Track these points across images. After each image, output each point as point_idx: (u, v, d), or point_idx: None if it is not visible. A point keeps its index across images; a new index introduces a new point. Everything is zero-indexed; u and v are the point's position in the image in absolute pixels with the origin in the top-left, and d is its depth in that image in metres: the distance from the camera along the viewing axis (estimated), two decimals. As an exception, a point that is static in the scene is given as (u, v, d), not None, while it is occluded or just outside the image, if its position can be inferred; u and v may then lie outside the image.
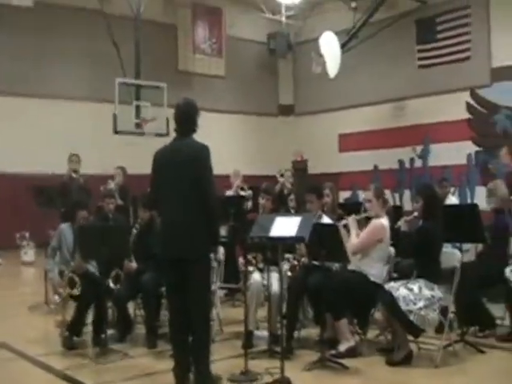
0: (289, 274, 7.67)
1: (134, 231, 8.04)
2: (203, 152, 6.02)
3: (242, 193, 11.91)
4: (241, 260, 7.90)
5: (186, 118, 6.16)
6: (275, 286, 7.10)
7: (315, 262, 7.56)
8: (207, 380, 6.02)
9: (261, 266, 7.86)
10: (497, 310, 8.09)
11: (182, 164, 5.98)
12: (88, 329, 7.86)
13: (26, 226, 16.14)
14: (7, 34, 18.20)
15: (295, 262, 7.79)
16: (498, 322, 7.91)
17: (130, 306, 8.27)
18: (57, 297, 7.78)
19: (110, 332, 7.69)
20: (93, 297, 7.62)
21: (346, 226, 7.40)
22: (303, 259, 7.76)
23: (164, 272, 6.38)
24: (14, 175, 17.95)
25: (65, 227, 8.33)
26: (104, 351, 7.23)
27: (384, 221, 7.34)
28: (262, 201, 8.16)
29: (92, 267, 8.10)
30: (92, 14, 18.77)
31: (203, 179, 5.97)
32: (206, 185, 5.98)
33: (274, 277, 6.95)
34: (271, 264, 7.07)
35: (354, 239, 7.29)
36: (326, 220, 7.74)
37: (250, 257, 7.74)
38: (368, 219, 7.52)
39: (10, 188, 17.94)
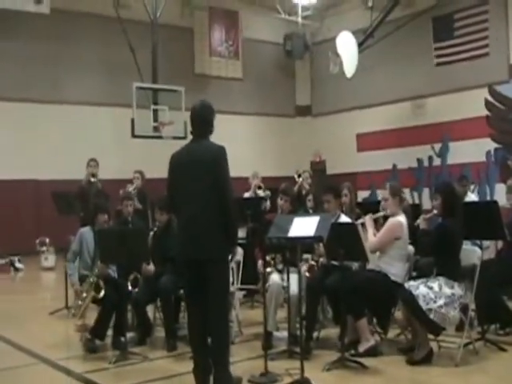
0: (307, 274, 7.65)
1: (151, 234, 8.04)
2: (220, 153, 6.02)
3: (260, 192, 11.90)
4: (260, 261, 7.88)
5: (202, 120, 6.17)
6: (294, 287, 7.07)
7: (334, 262, 7.54)
8: (227, 381, 6.02)
9: (280, 267, 7.84)
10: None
11: (199, 166, 5.98)
12: (108, 332, 7.88)
13: (46, 232, 16.24)
14: (24, 41, 18.36)
15: (313, 263, 7.77)
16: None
17: (149, 309, 8.28)
18: (79, 301, 7.80)
19: (129, 335, 7.71)
20: (116, 301, 7.64)
21: (363, 225, 7.37)
22: (322, 259, 7.74)
23: (182, 274, 6.38)
24: (35, 181, 18.10)
25: (85, 231, 8.37)
26: (124, 354, 7.23)
27: (401, 218, 7.30)
28: (280, 202, 8.13)
29: (112, 271, 8.13)
30: (108, 20, 18.92)
31: (220, 180, 5.97)
32: (223, 186, 5.98)
33: (293, 278, 6.91)
34: (290, 265, 7.03)
35: (371, 238, 7.27)
36: (344, 219, 7.72)
37: (268, 258, 7.73)
38: (386, 218, 7.49)
39: (29, 194, 18.09)
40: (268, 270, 7.67)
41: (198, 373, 6.05)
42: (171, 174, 6.26)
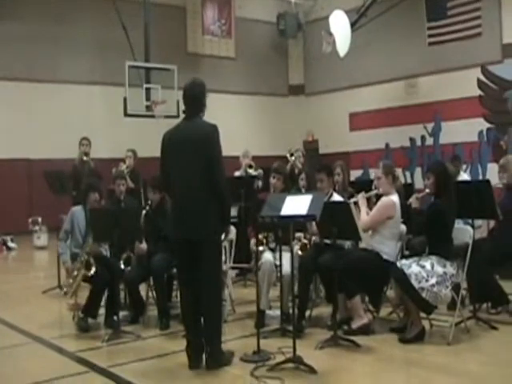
0: (299, 253, 7.66)
1: (144, 213, 8.03)
2: (212, 132, 6.05)
3: (252, 171, 11.88)
4: (252, 240, 7.89)
5: (193, 99, 6.19)
6: (286, 266, 7.08)
7: (326, 241, 7.56)
8: (220, 359, 6.06)
9: (272, 245, 7.86)
10: (509, 286, 8.05)
11: (192, 144, 6.00)
12: (101, 311, 7.89)
13: (38, 211, 16.23)
14: (17, 21, 18.30)
15: (305, 241, 7.78)
16: (511, 298, 7.87)
17: (142, 288, 8.28)
18: (70, 280, 7.81)
19: (122, 314, 7.73)
20: (107, 279, 7.64)
21: (356, 204, 7.37)
22: (314, 238, 7.76)
23: (175, 253, 6.44)
24: (27, 160, 18.06)
25: (77, 210, 8.35)
26: (117, 333, 7.25)
27: (394, 197, 7.31)
28: (272, 180, 8.12)
29: (104, 250, 8.12)
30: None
31: (212, 159, 6.00)
32: (216, 165, 6.00)
33: (286, 256, 6.92)
34: (283, 243, 7.04)
35: (364, 216, 7.28)
36: (336, 198, 7.73)
37: (261, 236, 7.73)
38: (378, 197, 7.50)
39: (22, 173, 18.06)
40: (260, 248, 7.69)
41: (190, 351, 6.09)
42: (163, 152, 6.27)
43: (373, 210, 7.37)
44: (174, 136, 6.20)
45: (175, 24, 21.14)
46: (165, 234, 7.47)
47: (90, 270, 7.52)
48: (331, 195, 7.78)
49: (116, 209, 8.62)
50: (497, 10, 18.07)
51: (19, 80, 18.29)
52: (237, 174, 12.13)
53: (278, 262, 7.28)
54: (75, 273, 7.73)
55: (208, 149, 5.99)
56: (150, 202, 8.15)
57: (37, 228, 16.24)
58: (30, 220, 16.37)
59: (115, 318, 7.42)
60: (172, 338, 7.20)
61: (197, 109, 6.19)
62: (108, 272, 7.62)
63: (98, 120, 18.41)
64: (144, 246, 7.92)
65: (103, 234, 7.58)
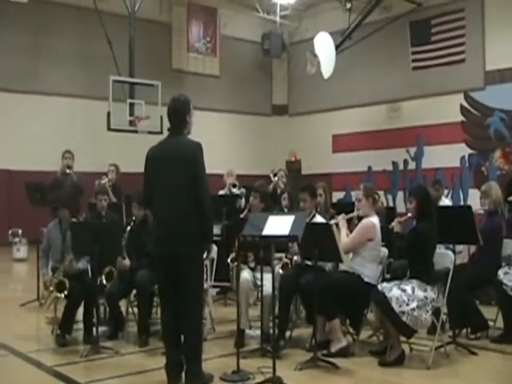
0: (280, 271, 7.67)
1: (128, 229, 8.01)
2: (196, 149, 6.05)
3: (235, 190, 11.89)
4: (231, 255, 7.90)
5: (178, 115, 6.18)
6: (268, 286, 7.07)
7: (308, 262, 7.56)
8: (199, 378, 6.02)
9: (252, 265, 7.86)
10: (489, 312, 8.10)
11: (175, 161, 6.00)
12: (80, 326, 7.84)
13: (18, 223, 16.11)
14: (1, 30, 18.17)
15: (287, 261, 7.80)
16: (491, 323, 7.91)
17: (122, 304, 8.24)
18: (47, 293, 7.76)
19: (101, 329, 7.68)
20: (81, 296, 7.60)
21: (337, 226, 7.38)
22: (296, 258, 7.76)
23: (156, 269, 6.41)
24: (7, 171, 17.94)
25: (51, 226, 8.33)
26: (95, 348, 7.20)
27: (374, 219, 7.34)
28: (251, 199, 8.14)
29: (84, 264, 8.07)
30: (86, 12, 18.80)
31: (196, 177, 5.99)
32: (199, 182, 5.99)
33: (267, 277, 6.92)
34: (264, 264, 7.04)
35: (344, 238, 7.28)
36: (319, 219, 7.75)
37: (240, 255, 7.73)
38: (360, 219, 7.52)
39: (2, 184, 17.94)
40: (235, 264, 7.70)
41: (169, 369, 6.05)
42: (147, 168, 6.25)
43: (353, 231, 7.39)
44: (158, 152, 6.18)
45: (160, 40, 21.17)
46: (148, 250, 7.45)
47: (62, 291, 7.46)
48: (314, 216, 7.78)
49: (97, 223, 8.59)
50: (480, 37, 18.25)
51: (2, 90, 18.18)
52: (221, 192, 12.12)
53: (257, 282, 7.28)
54: (51, 288, 7.69)
55: (192, 166, 5.98)
56: (134, 218, 8.12)
57: (16, 240, 16.10)
58: (9, 232, 16.24)
59: (94, 333, 7.37)
60: (151, 355, 7.16)
61: (181, 125, 6.17)
62: (83, 288, 7.58)
63: (81, 133, 18.33)
64: (127, 261, 7.89)
65: (83, 248, 7.53)
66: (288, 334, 7.75)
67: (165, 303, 6.26)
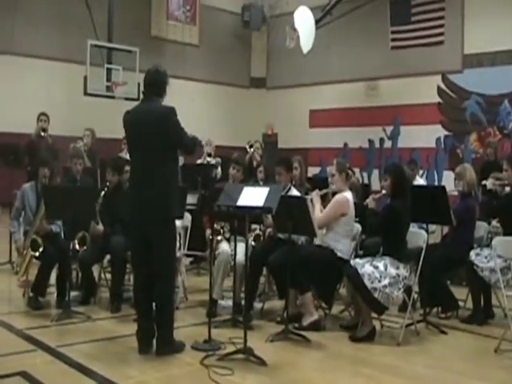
0: (253, 243, 7.70)
1: (102, 194, 7.96)
2: (170, 112, 6.06)
3: (209, 159, 11.86)
4: (208, 230, 7.89)
5: (156, 83, 6.20)
6: (240, 256, 7.10)
7: (280, 235, 7.59)
8: (170, 346, 6.04)
9: (228, 235, 7.87)
10: (460, 293, 8.20)
11: (150, 125, 5.99)
12: (52, 290, 7.81)
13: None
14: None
15: (259, 232, 7.83)
16: (461, 304, 8.01)
17: (95, 270, 8.23)
18: (21, 259, 7.73)
19: (73, 294, 7.67)
20: (55, 258, 7.59)
21: (311, 201, 7.40)
22: (269, 230, 7.79)
23: (130, 235, 6.45)
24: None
25: (27, 187, 8.25)
26: (67, 313, 7.18)
27: (348, 195, 7.37)
28: (232, 171, 8.12)
29: (57, 227, 8.04)
30: (66, -26, 18.51)
31: (174, 133, 6.03)
32: (178, 135, 6.08)
33: (240, 246, 6.95)
34: (238, 234, 7.05)
35: (318, 213, 7.29)
36: (294, 193, 7.75)
37: (217, 226, 7.74)
38: (333, 194, 7.55)
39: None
40: (218, 238, 7.71)
41: (141, 336, 6.07)
42: (125, 133, 6.34)
43: (327, 207, 7.41)
44: (133, 116, 6.19)
45: (140, 6, 20.88)
46: (121, 216, 7.41)
47: (36, 250, 7.45)
48: (289, 189, 7.79)
49: (71, 186, 8.53)
50: (459, 20, 18.24)
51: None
52: (198, 162, 12.09)
53: (233, 253, 7.30)
54: (25, 251, 7.66)
55: (168, 127, 5.99)
56: (108, 184, 8.07)
57: (-12, 202, 15.95)
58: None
59: (66, 297, 7.35)
60: (123, 322, 7.17)
61: (157, 92, 6.20)
62: (57, 251, 7.56)
63: (57, 97, 18.09)
64: (100, 227, 7.86)
65: (56, 212, 7.48)
66: (260, 306, 7.79)
67: (137, 270, 6.27)
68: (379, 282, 6.61)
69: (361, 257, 7.42)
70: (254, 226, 7.85)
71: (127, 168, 7.62)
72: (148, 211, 5.97)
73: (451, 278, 8.88)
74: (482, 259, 7.48)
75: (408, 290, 7.06)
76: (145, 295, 6.12)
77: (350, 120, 20.20)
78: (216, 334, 6.45)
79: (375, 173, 19.48)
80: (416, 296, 7.72)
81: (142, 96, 6.37)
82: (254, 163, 11.93)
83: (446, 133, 18.35)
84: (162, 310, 6.08)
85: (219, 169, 11.45)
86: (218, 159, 11.87)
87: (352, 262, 6.92)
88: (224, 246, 7.66)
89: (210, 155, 11.94)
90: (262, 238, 7.93)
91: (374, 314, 6.88)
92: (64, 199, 7.31)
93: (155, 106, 6.14)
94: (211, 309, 6.97)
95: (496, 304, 7.87)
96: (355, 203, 7.54)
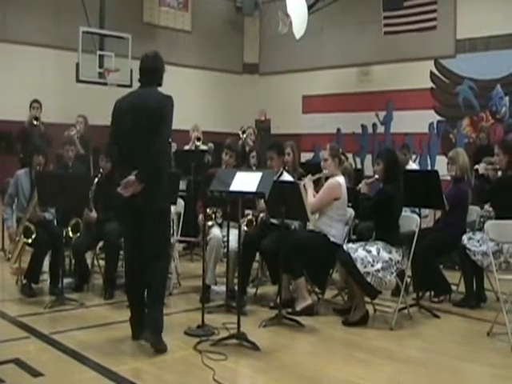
0: (245, 228, 7.71)
1: (96, 181, 7.95)
2: (167, 102, 5.93)
3: (199, 144, 11.83)
4: (201, 215, 7.88)
5: (154, 70, 6.08)
6: (233, 242, 7.11)
7: (273, 220, 7.60)
8: (161, 332, 5.98)
9: (220, 221, 7.87)
10: (452, 277, 8.23)
11: (144, 113, 5.83)
12: (45, 277, 7.82)
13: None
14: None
15: (252, 218, 7.84)
16: (454, 288, 8.03)
17: (88, 256, 8.23)
18: (13, 246, 7.73)
19: (66, 281, 7.68)
20: (48, 245, 7.59)
21: (304, 187, 7.41)
22: (262, 215, 7.79)
23: (122, 221, 6.43)
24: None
25: (21, 174, 8.24)
26: (60, 300, 7.20)
27: (340, 179, 7.38)
28: (225, 157, 8.12)
29: (50, 215, 8.04)
30: (58, -40, 18.41)
31: (162, 128, 5.84)
32: (162, 131, 5.84)
33: (233, 232, 6.94)
34: (231, 220, 7.05)
35: (311, 198, 7.30)
36: (286, 177, 7.76)
37: (209, 211, 7.73)
38: (326, 179, 7.55)
39: (-33, 133, 17.64)
40: (209, 223, 7.71)
41: (134, 322, 6.05)
42: (115, 120, 6.13)
43: (320, 191, 7.42)
44: (127, 103, 6.03)
45: (132, -8, 20.85)
46: (115, 203, 7.39)
47: (29, 237, 7.45)
48: (281, 174, 7.79)
49: (64, 173, 8.53)
50: (452, 5, 18.21)
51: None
52: (186, 148, 12.06)
53: (225, 238, 7.30)
54: (17, 238, 7.66)
55: (161, 118, 5.83)
56: (101, 170, 8.06)
57: (-19, 190, 15.92)
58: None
59: (59, 284, 7.36)
60: (116, 308, 7.19)
61: (154, 80, 6.07)
62: (50, 237, 7.56)
63: (49, 84, 18.00)
64: (94, 213, 7.87)
65: (49, 199, 7.47)
66: (253, 291, 7.81)
67: (129, 256, 6.20)
68: (372, 266, 6.64)
69: (354, 241, 7.45)
70: (246, 212, 7.85)
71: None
72: (140, 195, 5.79)
73: (444, 262, 8.92)
74: (475, 243, 7.52)
75: (401, 274, 7.08)
76: (137, 282, 6.06)
77: (342, 105, 20.17)
78: (209, 319, 6.47)
79: (368, 158, 19.47)
80: (409, 280, 7.74)
81: (135, 83, 6.26)
82: (247, 148, 11.91)
83: (439, 118, 18.34)
84: (153, 295, 5.95)
85: (211, 154, 11.44)
86: (211, 145, 11.87)
87: (345, 246, 6.94)
88: (215, 232, 7.67)
89: (199, 139, 11.90)
90: (254, 224, 7.93)
91: (367, 299, 6.90)
92: (57, 186, 7.28)
93: (152, 92, 6.00)
94: (204, 294, 6.96)
95: (488, 287, 7.92)
96: (348, 188, 7.56)
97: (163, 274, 6.16)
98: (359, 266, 6.62)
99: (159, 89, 6.10)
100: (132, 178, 5.73)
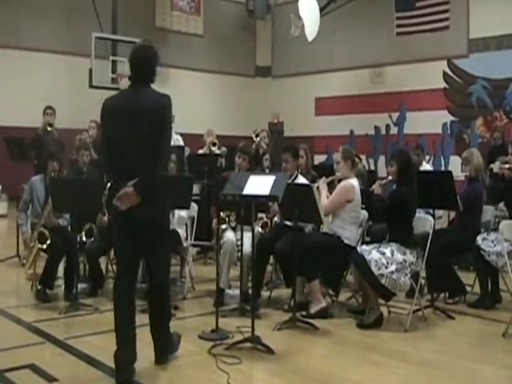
0: (260, 230, 7.69)
1: (109, 185, 7.95)
2: (166, 103, 5.28)
3: (214, 149, 11.87)
4: (214, 220, 7.88)
5: (147, 64, 5.36)
6: (247, 245, 7.10)
7: (287, 223, 7.59)
8: (168, 340, 5.74)
9: (233, 224, 7.86)
10: (467, 277, 8.20)
11: (140, 116, 5.16)
12: (60, 282, 7.84)
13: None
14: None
15: (267, 220, 7.83)
16: (468, 289, 8.00)
17: (102, 261, 8.24)
18: (28, 251, 7.75)
19: (81, 286, 7.68)
20: (63, 250, 7.60)
21: (318, 189, 7.40)
22: (276, 217, 7.79)
23: (115, 236, 5.72)
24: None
25: (36, 180, 8.27)
26: (74, 305, 7.21)
27: (353, 181, 7.36)
28: (238, 160, 8.10)
29: (64, 220, 8.06)
30: (70, -33, 18.51)
31: (164, 131, 5.23)
32: (163, 138, 5.22)
33: (247, 236, 6.93)
34: (244, 223, 7.04)
35: (324, 200, 7.29)
36: (302, 180, 7.75)
37: (223, 215, 7.74)
38: (340, 182, 7.54)
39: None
40: (223, 227, 7.70)
41: (119, 359, 5.46)
42: (106, 123, 5.41)
43: (332, 194, 7.41)
44: (121, 104, 5.29)
45: (143, -3, 20.93)
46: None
47: (43, 243, 7.46)
48: (296, 177, 7.79)
49: (78, 179, 8.56)
50: (465, 5, 18.20)
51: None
52: (201, 151, 12.12)
53: (239, 242, 7.30)
54: (32, 244, 7.68)
55: (161, 121, 5.20)
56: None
57: (-4, 196, 16.04)
58: (-11, 188, 16.14)
59: (74, 290, 7.37)
60: (130, 313, 7.17)
61: (148, 76, 5.33)
62: (64, 243, 7.57)
63: (63, 90, 18.14)
64: (107, 218, 7.87)
65: (64, 204, 7.48)
66: (267, 294, 7.80)
67: (123, 270, 5.56)
68: (386, 268, 6.61)
69: (367, 243, 7.41)
70: (260, 215, 7.84)
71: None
72: (136, 211, 5.24)
73: (458, 262, 8.89)
74: (489, 243, 7.48)
75: (415, 276, 7.05)
76: (129, 298, 5.55)
77: (355, 107, 20.19)
78: (223, 323, 6.44)
79: (381, 159, 19.48)
80: (423, 281, 7.69)
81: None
82: (260, 151, 11.91)
83: (452, 118, 18.32)
84: (160, 305, 5.64)
85: (224, 158, 11.46)
86: (224, 149, 11.89)
87: (359, 248, 6.93)
88: (229, 235, 7.66)
89: (214, 144, 11.94)
90: (269, 225, 7.92)
91: (381, 301, 6.88)
92: (71, 191, 7.30)
93: (147, 92, 5.30)
94: (218, 298, 6.95)
95: (503, 288, 7.88)
96: (361, 190, 7.53)
97: (169, 314, 5.81)
98: (373, 268, 6.60)
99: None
100: (130, 189, 5.17)
